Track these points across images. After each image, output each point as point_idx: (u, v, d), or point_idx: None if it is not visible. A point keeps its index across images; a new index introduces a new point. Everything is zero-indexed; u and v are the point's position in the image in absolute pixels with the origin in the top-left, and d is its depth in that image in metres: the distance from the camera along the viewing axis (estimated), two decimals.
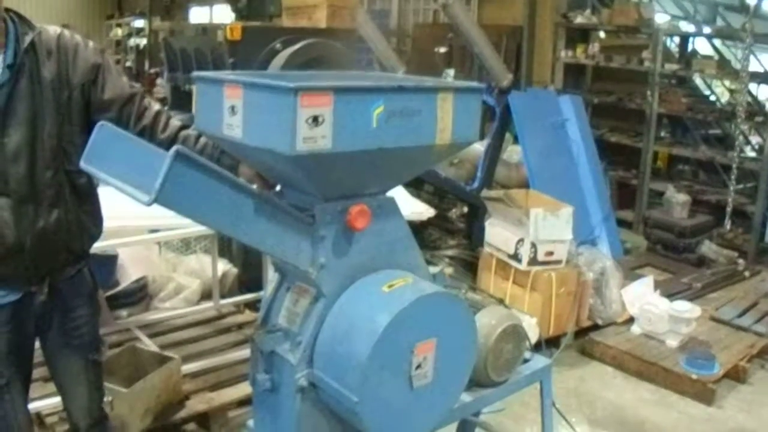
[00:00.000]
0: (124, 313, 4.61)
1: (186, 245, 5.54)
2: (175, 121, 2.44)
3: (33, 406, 2.70)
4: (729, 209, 6.64)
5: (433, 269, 2.53)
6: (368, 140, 2.01)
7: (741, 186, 6.97)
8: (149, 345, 4.04)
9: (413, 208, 4.43)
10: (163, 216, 3.67)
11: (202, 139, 2.39)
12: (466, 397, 2.62)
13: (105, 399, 2.76)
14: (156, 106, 2.45)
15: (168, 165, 1.77)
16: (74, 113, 2.28)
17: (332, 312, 2.19)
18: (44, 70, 2.20)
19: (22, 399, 2.51)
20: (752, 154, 7.88)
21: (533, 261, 4.60)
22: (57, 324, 2.49)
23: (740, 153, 6.84)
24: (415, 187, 6.06)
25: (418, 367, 2.19)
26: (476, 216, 5.84)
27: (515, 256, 4.69)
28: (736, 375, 4.47)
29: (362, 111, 1.99)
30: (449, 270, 5.07)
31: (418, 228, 2.59)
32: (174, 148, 1.79)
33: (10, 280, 2.31)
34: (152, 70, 9.86)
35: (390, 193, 2.35)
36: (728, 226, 6.76)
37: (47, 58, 2.22)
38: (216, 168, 1.92)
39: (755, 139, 8.41)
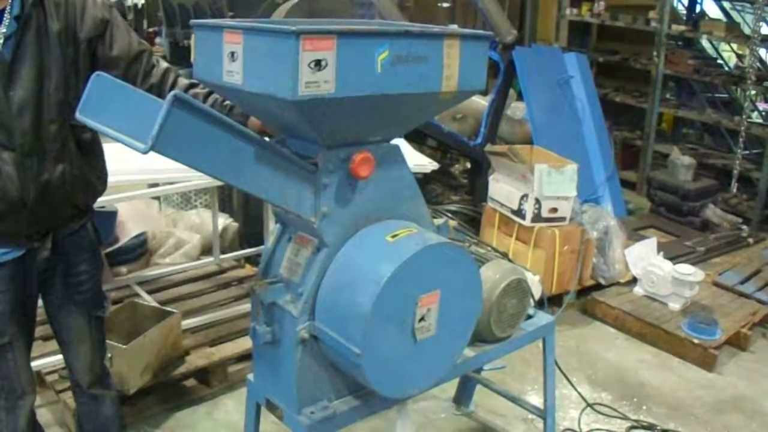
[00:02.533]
0: (123, 269, 4.59)
1: (186, 200, 5.51)
2: (184, 80, 2.42)
3: (33, 364, 2.68)
4: (735, 173, 6.58)
5: (437, 221, 2.49)
6: (372, 86, 1.97)
7: (747, 152, 6.90)
8: (149, 301, 4.01)
9: (416, 160, 4.38)
10: (162, 170, 3.67)
11: (211, 98, 2.39)
12: (469, 352, 2.61)
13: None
14: (164, 65, 2.42)
15: (165, 110, 1.73)
16: (81, 68, 2.23)
17: (334, 262, 2.17)
18: (51, 23, 2.15)
19: (25, 358, 2.48)
20: (759, 120, 7.81)
21: (537, 217, 4.55)
22: (60, 280, 2.47)
23: (747, 118, 6.75)
24: (418, 141, 6.00)
25: (422, 319, 2.17)
26: (479, 171, 5.79)
27: (519, 212, 4.64)
28: (737, 342, 4.44)
29: (366, 56, 1.95)
30: (452, 223, 5.03)
31: (420, 183, 2.55)
32: (172, 93, 1.75)
33: (12, 236, 2.28)
34: (151, 29, 9.73)
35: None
36: (734, 191, 6.70)
37: (55, 11, 2.17)
38: (215, 113, 1.88)
39: (762, 106, 8.32)
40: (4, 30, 2.08)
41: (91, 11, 2.23)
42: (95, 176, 2.44)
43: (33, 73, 2.13)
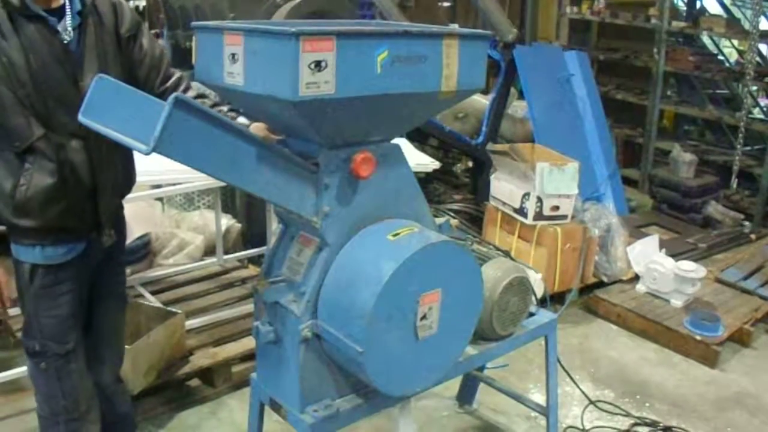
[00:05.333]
0: (127, 270, 4.58)
1: (189, 201, 5.51)
2: (197, 85, 2.49)
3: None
4: (735, 169, 6.57)
5: (438, 220, 2.50)
6: (372, 86, 1.99)
7: (748, 148, 6.89)
8: (153, 301, 4.02)
9: (418, 159, 4.39)
10: (165, 171, 3.68)
11: (216, 108, 2.43)
12: (471, 350, 2.62)
13: None
14: (179, 73, 2.51)
15: (167, 112, 1.75)
16: (124, 63, 2.35)
17: (336, 261, 2.18)
18: (105, 18, 2.28)
19: (85, 366, 2.49)
20: (760, 116, 7.80)
21: (539, 215, 4.56)
22: (108, 272, 2.52)
23: (748, 114, 6.75)
24: (420, 141, 6.02)
25: (424, 317, 2.18)
26: (481, 170, 5.81)
27: (521, 211, 4.65)
28: (740, 338, 4.44)
29: (366, 56, 1.97)
30: (454, 222, 5.04)
31: (422, 182, 2.57)
32: (173, 95, 1.76)
33: (76, 230, 2.33)
34: (152, 31, 9.76)
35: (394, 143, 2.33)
36: (734, 187, 6.70)
37: (106, 8, 2.29)
38: (216, 115, 1.89)
39: (763, 101, 8.31)
40: (70, 23, 2.18)
41: (128, 12, 2.36)
42: (134, 168, 2.55)
43: (97, 64, 2.23)
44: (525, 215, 4.62)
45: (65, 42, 2.17)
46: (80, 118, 2.00)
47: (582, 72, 6.32)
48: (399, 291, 2.09)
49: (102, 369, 2.64)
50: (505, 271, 2.66)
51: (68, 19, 2.18)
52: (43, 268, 2.30)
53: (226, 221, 5.06)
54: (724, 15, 7.84)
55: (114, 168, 2.37)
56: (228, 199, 5.32)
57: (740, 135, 6.48)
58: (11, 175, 2.20)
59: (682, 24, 7.33)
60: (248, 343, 3.73)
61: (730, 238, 5.99)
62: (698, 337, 4.24)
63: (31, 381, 2.49)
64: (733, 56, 8.61)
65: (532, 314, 2.91)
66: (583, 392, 3.72)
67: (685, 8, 8.33)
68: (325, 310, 2.16)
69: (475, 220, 5.50)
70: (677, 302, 4.61)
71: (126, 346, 3.20)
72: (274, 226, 4.27)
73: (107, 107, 1.98)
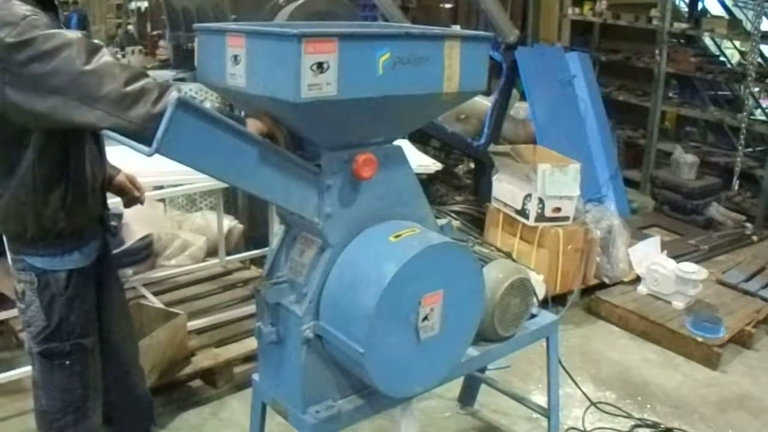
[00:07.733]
0: (129, 271, 4.58)
1: (191, 202, 5.51)
2: None
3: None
4: (737, 170, 6.57)
5: (440, 221, 2.51)
6: (374, 87, 1.99)
7: (750, 149, 6.88)
8: (155, 302, 4.02)
9: (420, 161, 4.39)
10: (167, 172, 3.68)
11: None
12: (472, 352, 2.62)
13: None
14: None
15: (170, 113, 1.75)
16: None
17: (338, 263, 2.18)
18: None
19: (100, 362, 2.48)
20: (762, 117, 7.80)
21: (541, 217, 4.57)
22: (107, 257, 2.49)
23: (750, 115, 6.74)
24: (422, 142, 6.04)
25: (425, 318, 2.18)
26: (483, 172, 5.82)
27: (522, 212, 4.66)
28: (741, 340, 4.43)
29: (368, 58, 1.97)
30: (456, 224, 5.04)
31: (424, 184, 2.57)
32: (175, 96, 1.77)
33: (94, 222, 2.34)
34: (154, 33, 9.80)
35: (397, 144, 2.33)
36: (735, 188, 6.69)
37: None
38: (219, 116, 1.89)
39: (765, 102, 8.31)
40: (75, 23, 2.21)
41: None
42: None
43: None
44: (527, 217, 4.62)
45: None
46: None
47: (584, 73, 6.31)
48: (401, 292, 2.09)
49: (118, 351, 2.60)
50: (507, 273, 2.66)
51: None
52: (77, 271, 2.26)
53: (228, 222, 5.06)
54: (726, 16, 7.83)
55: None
56: (230, 200, 5.32)
57: (742, 136, 6.47)
58: (54, 185, 2.14)
59: (684, 25, 7.33)
60: (250, 344, 3.73)
61: (732, 240, 5.98)
62: (700, 339, 4.24)
63: (40, 380, 2.37)
64: (735, 57, 8.60)
65: (533, 315, 2.91)
66: (584, 393, 3.72)
67: (686, 9, 8.33)
68: (327, 311, 2.17)
69: (476, 222, 5.50)
70: (679, 304, 4.60)
71: None
72: (276, 227, 4.26)
73: None
